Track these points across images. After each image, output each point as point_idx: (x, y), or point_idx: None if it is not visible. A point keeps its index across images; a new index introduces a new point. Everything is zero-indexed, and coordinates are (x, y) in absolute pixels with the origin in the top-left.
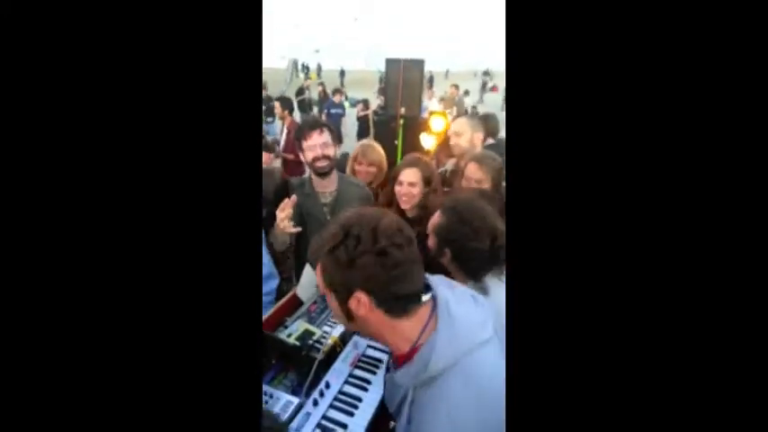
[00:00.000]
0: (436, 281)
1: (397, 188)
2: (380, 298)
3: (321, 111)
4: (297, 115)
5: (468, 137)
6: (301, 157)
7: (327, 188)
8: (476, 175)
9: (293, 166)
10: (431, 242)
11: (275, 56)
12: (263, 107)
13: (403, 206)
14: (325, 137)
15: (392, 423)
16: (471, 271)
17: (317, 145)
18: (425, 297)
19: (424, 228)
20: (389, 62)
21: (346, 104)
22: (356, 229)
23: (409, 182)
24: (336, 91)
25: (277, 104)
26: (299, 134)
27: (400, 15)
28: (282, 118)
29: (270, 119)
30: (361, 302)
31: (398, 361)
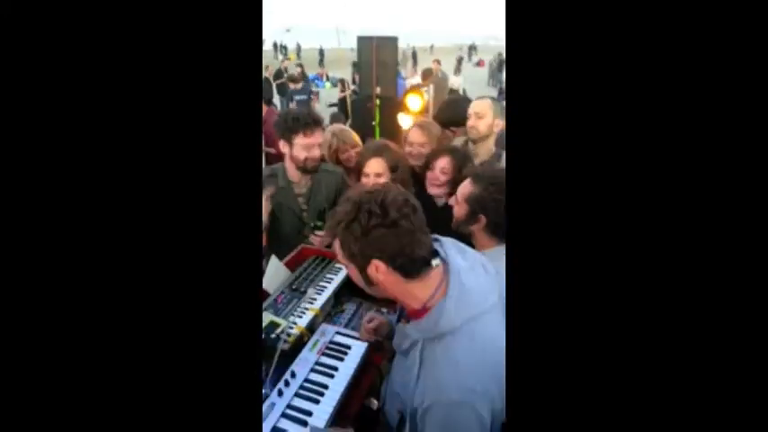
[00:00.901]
0: (448, 245)
1: (364, 180)
2: (394, 263)
3: (288, 99)
4: (276, 101)
5: (488, 121)
6: (284, 150)
7: (303, 179)
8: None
9: (272, 158)
10: (461, 210)
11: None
12: None
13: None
14: (318, 136)
15: (371, 400)
16: (503, 235)
17: (312, 145)
18: (435, 262)
19: None
20: (361, 40)
21: (327, 85)
22: (367, 205)
23: (375, 173)
24: (293, 78)
25: None
26: (292, 126)
27: None
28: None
29: None
30: (378, 269)
31: (410, 315)
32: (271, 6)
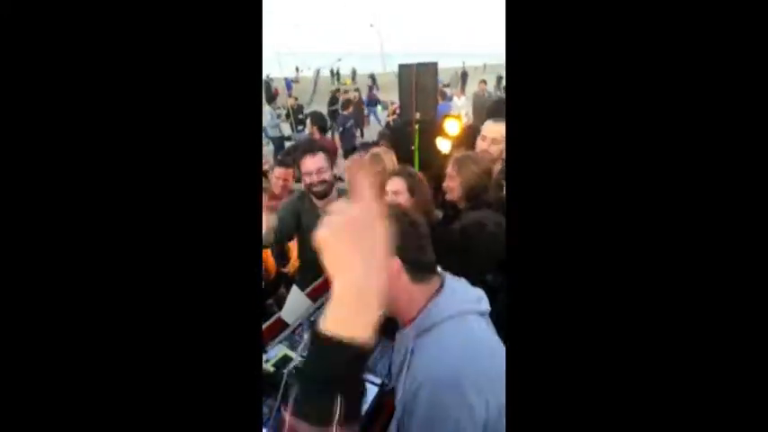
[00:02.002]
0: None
1: (385, 197)
2: (409, 260)
3: (336, 127)
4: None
5: (503, 146)
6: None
7: (327, 205)
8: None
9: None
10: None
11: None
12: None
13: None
14: (320, 161)
15: None
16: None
17: (312, 171)
18: (439, 270)
19: None
20: (402, 67)
21: (379, 108)
22: (392, 210)
23: (393, 190)
24: (348, 103)
25: (309, 119)
26: (294, 155)
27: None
28: (313, 137)
29: (300, 127)
30: (393, 265)
31: (406, 324)
32: (271, 6)
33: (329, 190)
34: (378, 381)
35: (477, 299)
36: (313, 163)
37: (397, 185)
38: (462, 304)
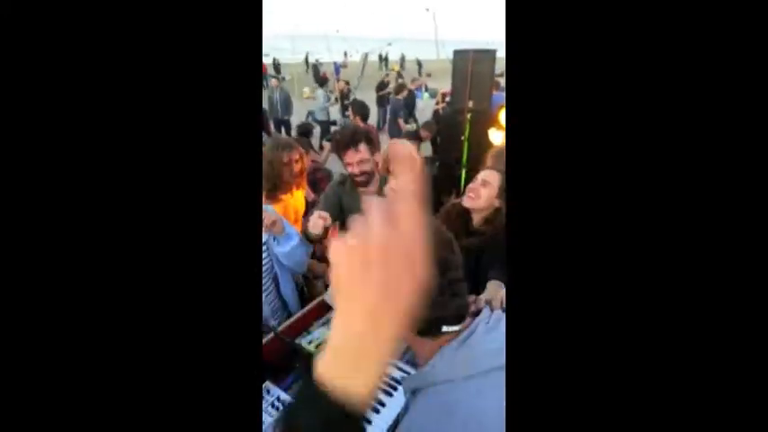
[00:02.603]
0: (486, 319)
1: (471, 183)
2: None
3: (383, 112)
4: (375, 115)
5: (492, 193)
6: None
7: (368, 191)
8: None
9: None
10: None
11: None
12: (342, 102)
13: (468, 203)
14: (362, 153)
15: None
16: None
17: (353, 163)
18: (449, 328)
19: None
20: (457, 53)
21: (425, 95)
22: None
23: (484, 179)
24: (401, 87)
25: (350, 111)
26: (336, 148)
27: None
28: (358, 125)
29: (347, 112)
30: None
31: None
32: (271, 6)
33: (371, 179)
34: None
35: (496, 351)
36: (355, 156)
37: (492, 177)
38: (469, 365)
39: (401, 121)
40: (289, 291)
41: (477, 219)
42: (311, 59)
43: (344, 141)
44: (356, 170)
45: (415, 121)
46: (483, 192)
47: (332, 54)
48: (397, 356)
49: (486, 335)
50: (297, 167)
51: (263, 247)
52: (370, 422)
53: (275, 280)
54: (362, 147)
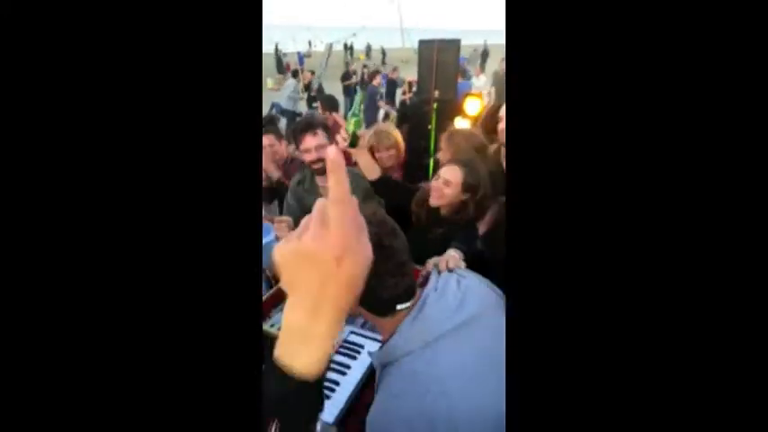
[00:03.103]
0: (445, 280)
1: (432, 182)
2: (367, 303)
3: (371, 96)
4: (342, 107)
5: (454, 192)
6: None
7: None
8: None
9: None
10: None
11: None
12: (308, 93)
13: (434, 202)
14: (320, 138)
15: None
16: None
17: (311, 148)
18: (401, 306)
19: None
20: (422, 44)
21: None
22: None
23: (445, 178)
24: (375, 72)
25: (319, 104)
26: (294, 134)
27: None
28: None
29: (315, 104)
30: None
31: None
32: (270, 7)
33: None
34: (378, 336)
35: (451, 312)
36: (313, 140)
37: (452, 174)
38: (424, 333)
39: (382, 103)
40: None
41: (444, 211)
42: (272, 50)
43: (301, 127)
44: (314, 156)
45: (394, 105)
46: (446, 191)
47: (296, 44)
48: (338, 335)
49: (436, 303)
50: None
51: None
52: (330, 388)
53: None
54: (320, 131)
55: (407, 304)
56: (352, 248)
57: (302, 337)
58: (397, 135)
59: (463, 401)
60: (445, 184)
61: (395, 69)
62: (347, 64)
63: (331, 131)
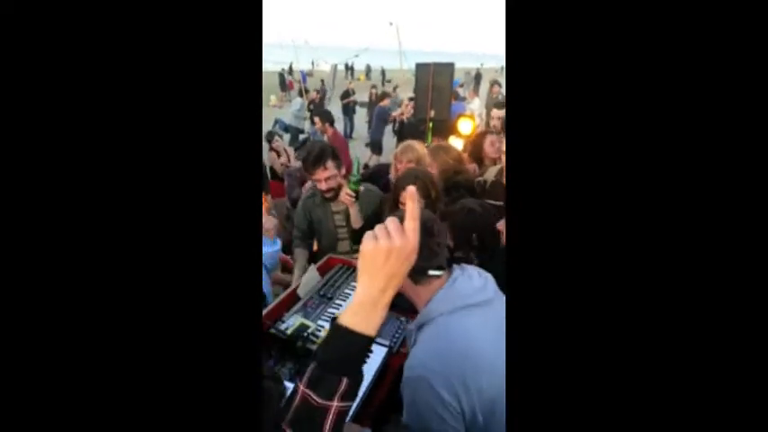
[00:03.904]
0: (461, 269)
1: (401, 206)
2: (414, 270)
3: (380, 116)
4: (341, 122)
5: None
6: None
7: (336, 202)
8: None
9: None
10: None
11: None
12: (307, 116)
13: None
14: (330, 170)
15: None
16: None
17: (321, 180)
18: (435, 272)
19: None
20: (419, 66)
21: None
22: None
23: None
24: (384, 95)
25: (317, 119)
26: (305, 166)
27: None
28: (323, 131)
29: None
30: None
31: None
32: (275, 25)
33: (338, 193)
34: (386, 343)
35: (476, 291)
36: (324, 173)
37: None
38: (456, 300)
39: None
40: (267, 287)
41: None
42: (277, 68)
43: (312, 160)
44: (324, 186)
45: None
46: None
47: (299, 63)
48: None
49: (465, 281)
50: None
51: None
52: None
53: None
54: (330, 164)
55: (438, 273)
56: (416, 247)
57: (373, 306)
58: (421, 150)
59: (484, 359)
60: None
61: (395, 89)
62: (349, 83)
63: (340, 159)
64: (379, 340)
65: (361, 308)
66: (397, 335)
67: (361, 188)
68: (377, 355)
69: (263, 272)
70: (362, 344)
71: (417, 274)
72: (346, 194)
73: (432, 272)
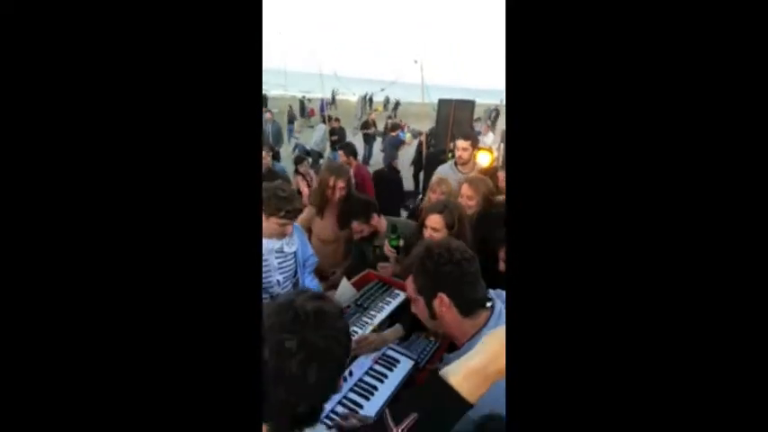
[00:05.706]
0: (495, 294)
1: (424, 231)
2: (456, 298)
3: (390, 146)
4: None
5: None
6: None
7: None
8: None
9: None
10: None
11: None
12: (332, 139)
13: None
14: (368, 225)
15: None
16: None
17: (359, 231)
18: (488, 304)
19: None
20: (442, 102)
21: (408, 135)
22: (436, 249)
23: (432, 227)
24: (395, 126)
25: (341, 153)
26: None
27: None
28: (349, 164)
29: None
30: (442, 301)
31: (457, 347)
32: (269, 42)
33: (371, 236)
34: (414, 357)
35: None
36: (361, 226)
37: (435, 223)
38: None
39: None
40: (314, 284)
41: None
42: (298, 95)
43: (357, 212)
44: (358, 236)
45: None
46: (436, 236)
47: (324, 91)
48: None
49: (495, 321)
50: (338, 193)
51: (289, 257)
52: (370, 392)
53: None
54: (374, 218)
55: (489, 304)
56: None
57: (485, 380)
58: (450, 184)
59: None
60: (434, 231)
61: (401, 122)
62: (369, 114)
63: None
64: (407, 353)
65: (473, 376)
66: (424, 353)
67: (401, 243)
68: (403, 364)
69: (305, 273)
70: (464, 407)
71: (469, 305)
72: (389, 251)
73: (486, 303)
